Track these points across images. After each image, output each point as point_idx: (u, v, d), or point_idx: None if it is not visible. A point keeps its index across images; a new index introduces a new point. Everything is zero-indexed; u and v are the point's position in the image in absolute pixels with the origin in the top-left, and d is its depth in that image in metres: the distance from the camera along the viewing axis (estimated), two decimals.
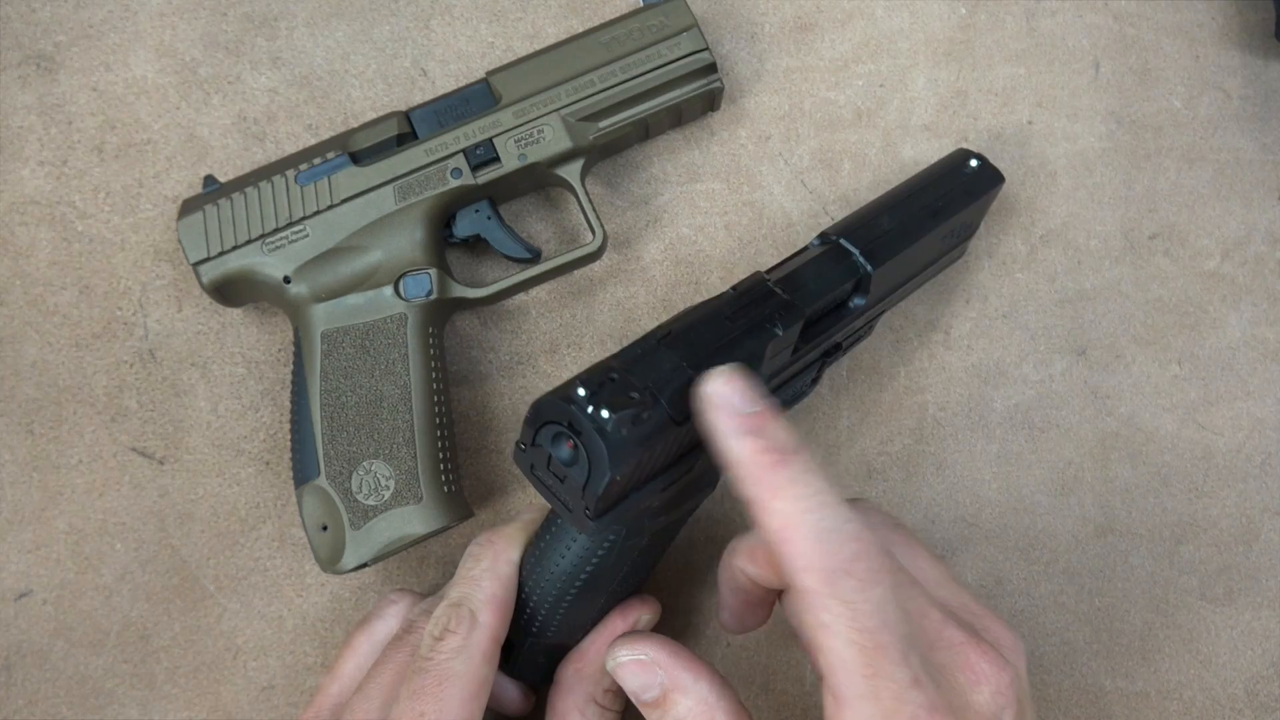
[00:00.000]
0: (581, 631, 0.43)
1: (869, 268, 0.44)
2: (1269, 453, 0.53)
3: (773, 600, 0.41)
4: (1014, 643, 0.37)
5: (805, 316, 0.41)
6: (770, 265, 0.45)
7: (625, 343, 0.51)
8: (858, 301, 0.44)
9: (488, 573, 0.42)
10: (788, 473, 0.33)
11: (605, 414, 0.34)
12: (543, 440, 0.36)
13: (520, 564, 0.43)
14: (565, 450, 0.35)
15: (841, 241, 0.44)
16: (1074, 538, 0.52)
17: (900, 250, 0.45)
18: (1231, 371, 0.54)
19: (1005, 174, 0.53)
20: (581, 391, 0.34)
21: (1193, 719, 0.52)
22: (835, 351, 0.45)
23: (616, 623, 0.43)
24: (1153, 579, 0.52)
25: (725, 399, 0.34)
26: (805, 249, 0.46)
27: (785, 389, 0.43)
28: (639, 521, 0.41)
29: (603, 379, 0.35)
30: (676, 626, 0.51)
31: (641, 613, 0.43)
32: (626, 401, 0.34)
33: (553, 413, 0.35)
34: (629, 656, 0.39)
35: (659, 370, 0.36)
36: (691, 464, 0.39)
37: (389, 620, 0.45)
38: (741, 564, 0.39)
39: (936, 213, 0.46)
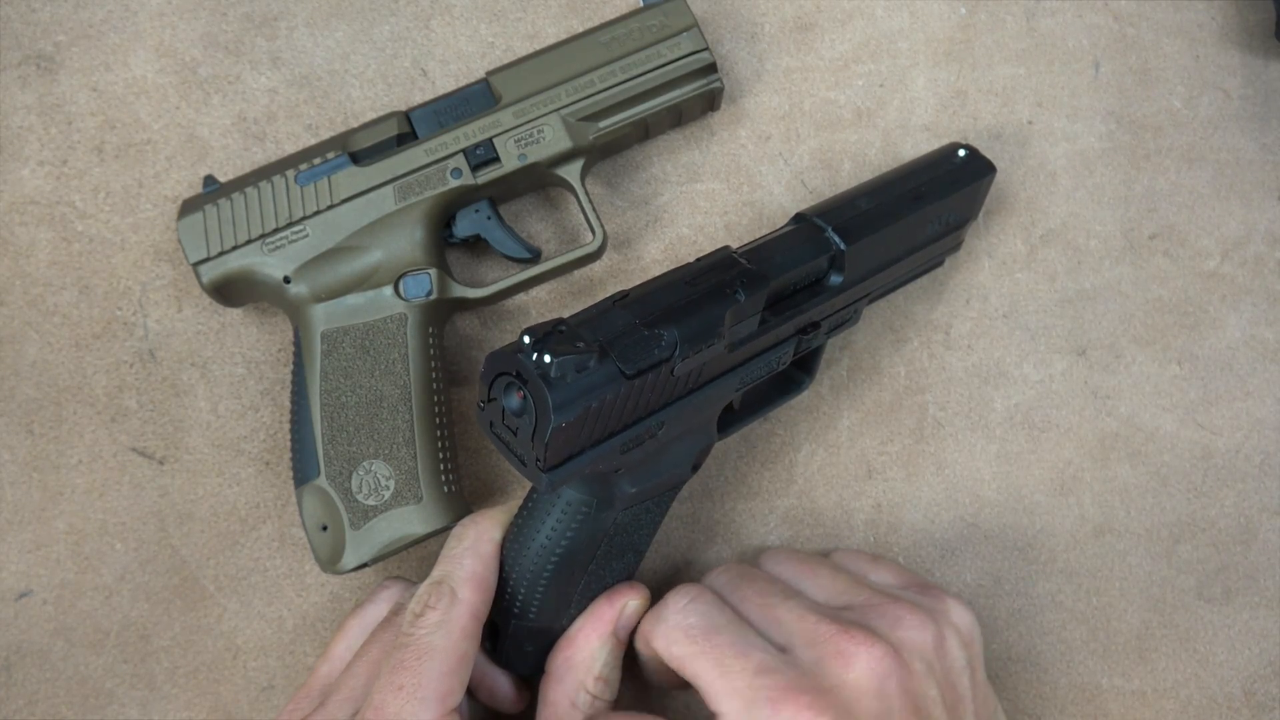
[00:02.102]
0: (563, 614, 0.43)
1: (842, 244, 0.44)
2: (1268, 453, 0.53)
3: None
4: (917, 620, 0.41)
5: (769, 285, 0.41)
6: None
7: None
8: (835, 279, 0.45)
9: (469, 551, 0.42)
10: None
11: (548, 359, 0.35)
12: (496, 393, 0.37)
13: (502, 544, 0.43)
14: (515, 400, 0.36)
15: (815, 219, 0.45)
16: (1073, 537, 0.52)
17: (877, 230, 0.45)
18: (1231, 371, 0.54)
19: (1005, 174, 0.53)
20: (527, 340, 0.35)
21: (1190, 718, 0.52)
22: (812, 330, 0.45)
23: (604, 609, 0.43)
24: (1150, 578, 0.53)
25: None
26: (779, 228, 0.46)
27: (757, 361, 0.44)
28: (607, 491, 0.41)
29: (549, 329, 0.36)
30: None
31: (629, 598, 0.44)
32: (571, 349, 0.35)
33: (501, 363, 0.36)
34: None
35: (611, 326, 0.38)
36: (654, 430, 0.40)
37: (381, 605, 0.45)
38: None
39: (919, 197, 0.47)
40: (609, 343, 0.37)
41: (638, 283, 0.52)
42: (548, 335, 0.36)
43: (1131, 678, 0.52)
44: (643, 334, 0.37)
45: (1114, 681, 0.52)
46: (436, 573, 0.42)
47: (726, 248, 0.43)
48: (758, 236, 0.46)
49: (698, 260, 0.42)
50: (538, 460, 0.36)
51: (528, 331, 0.36)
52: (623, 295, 0.40)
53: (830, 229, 0.44)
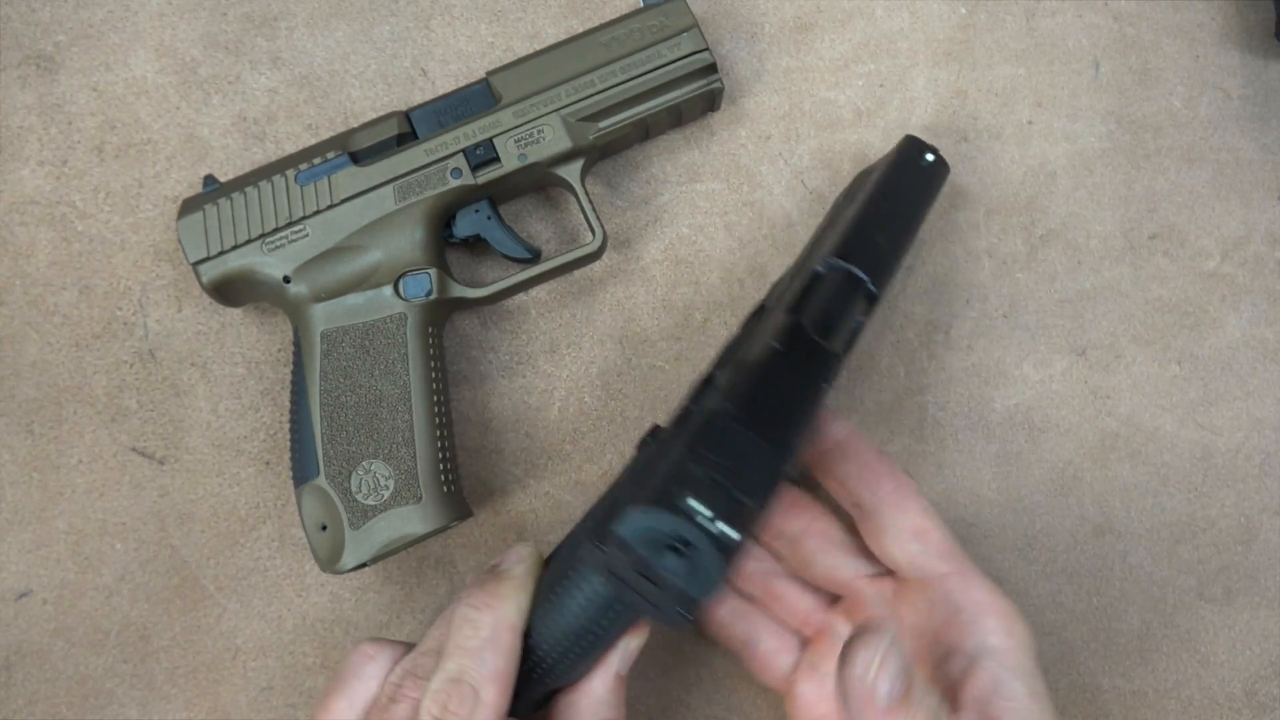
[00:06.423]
0: (585, 671, 0.41)
1: (876, 291, 0.44)
2: (1268, 453, 0.53)
3: None
4: None
5: (844, 363, 0.40)
6: (783, 286, 0.44)
7: (625, 344, 0.51)
8: (859, 320, 0.44)
9: (489, 644, 0.39)
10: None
11: (734, 535, 0.32)
12: (636, 544, 0.33)
13: (524, 626, 0.40)
14: (671, 560, 0.33)
15: (854, 271, 0.43)
16: (1073, 537, 0.52)
17: (896, 267, 0.45)
18: (1231, 371, 0.54)
19: (1005, 174, 0.53)
20: (696, 504, 0.33)
21: (1191, 718, 0.52)
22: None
23: (610, 655, 0.41)
24: (1151, 579, 0.53)
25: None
26: (819, 274, 0.44)
27: None
28: None
29: (713, 488, 0.33)
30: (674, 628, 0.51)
31: (630, 638, 0.41)
32: (741, 511, 0.33)
33: (663, 524, 0.33)
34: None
35: (748, 461, 0.34)
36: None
37: (369, 682, 0.41)
38: None
39: (911, 221, 0.47)
40: (757, 489, 0.34)
41: (640, 281, 0.52)
42: (716, 497, 0.33)
43: (1133, 678, 0.52)
44: (779, 473, 0.35)
45: (1115, 682, 0.52)
46: (452, 666, 0.38)
47: (796, 319, 0.40)
48: (805, 282, 0.43)
49: (777, 343, 0.39)
50: (683, 614, 0.34)
51: (693, 494, 0.33)
52: (734, 410, 0.36)
53: (869, 280, 0.43)
